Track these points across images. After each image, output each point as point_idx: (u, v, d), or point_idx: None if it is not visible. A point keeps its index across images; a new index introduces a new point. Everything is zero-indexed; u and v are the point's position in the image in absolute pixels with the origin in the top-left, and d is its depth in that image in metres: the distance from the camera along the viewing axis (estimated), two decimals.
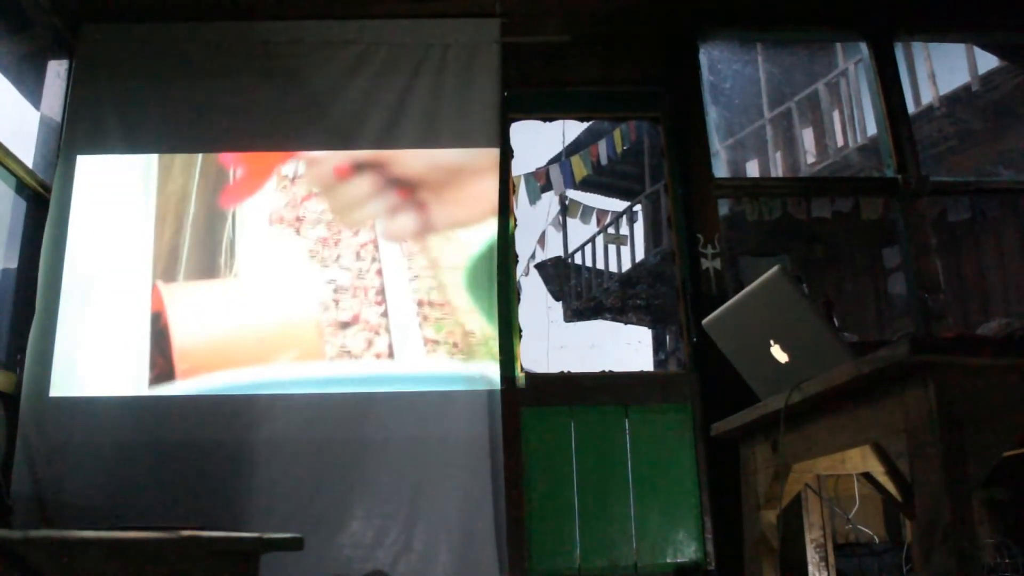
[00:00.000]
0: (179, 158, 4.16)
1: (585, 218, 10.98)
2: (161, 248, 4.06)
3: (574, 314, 13.65)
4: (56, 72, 4.31)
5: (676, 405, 4.06)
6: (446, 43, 4.33)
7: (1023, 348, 1.73)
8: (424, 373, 3.94)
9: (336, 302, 4.01)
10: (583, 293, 13.28)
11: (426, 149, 4.18)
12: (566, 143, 12.17)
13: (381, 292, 4.03)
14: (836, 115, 9.98)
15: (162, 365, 3.91)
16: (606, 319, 13.61)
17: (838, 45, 9.76)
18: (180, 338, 3.94)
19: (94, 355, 3.92)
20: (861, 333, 9.18)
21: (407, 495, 3.75)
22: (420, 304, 4.01)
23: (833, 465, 2.53)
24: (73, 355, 3.89)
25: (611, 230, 12.14)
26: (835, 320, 3.27)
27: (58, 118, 4.24)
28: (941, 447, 1.62)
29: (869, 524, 3.40)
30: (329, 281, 4.04)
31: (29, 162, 4.08)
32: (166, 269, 4.03)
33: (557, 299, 14.01)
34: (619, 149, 9.50)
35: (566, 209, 11.52)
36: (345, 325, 3.98)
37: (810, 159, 10.47)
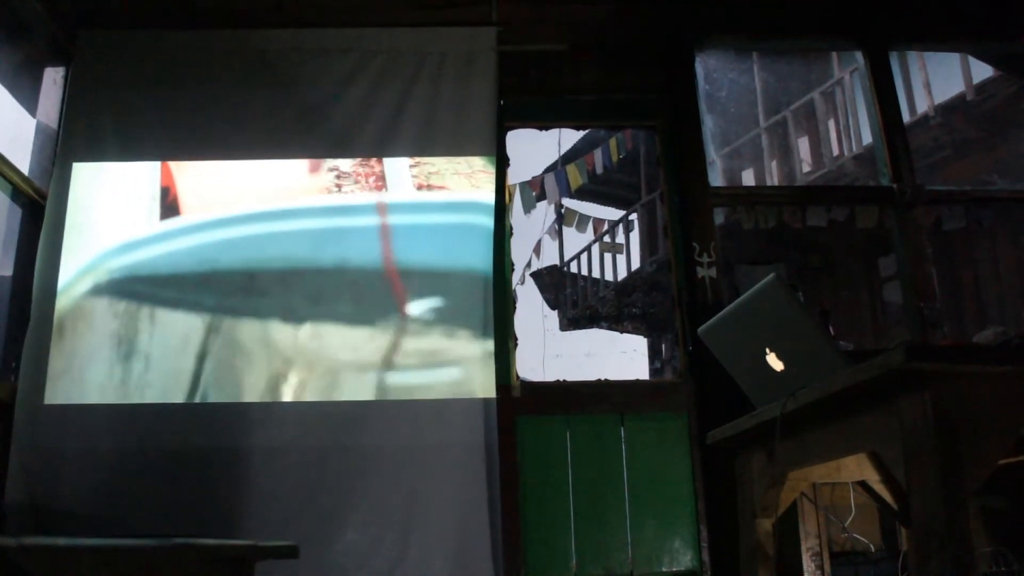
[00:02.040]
0: None
1: (581, 227, 10.98)
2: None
3: (570, 323, 13.65)
4: (53, 79, 4.30)
5: (672, 413, 4.06)
6: (443, 51, 4.33)
7: (1018, 356, 1.73)
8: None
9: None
10: (579, 302, 13.28)
11: (423, 157, 4.20)
12: (562, 152, 12.20)
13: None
14: (831, 124, 10.02)
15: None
16: (602, 327, 13.60)
17: (833, 54, 9.79)
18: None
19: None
20: (857, 342, 9.19)
21: (403, 503, 3.74)
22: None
23: (829, 473, 2.53)
24: (69, 362, 3.89)
25: (607, 239, 12.15)
26: (830, 329, 3.28)
27: (54, 125, 4.23)
28: (937, 455, 1.62)
29: (865, 532, 3.40)
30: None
31: (25, 169, 4.07)
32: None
33: (553, 308, 14.01)
34: (615, 158, 9.51)
35: (562, 218, 11.53)
36: None
37: (806, 168, 10.50)
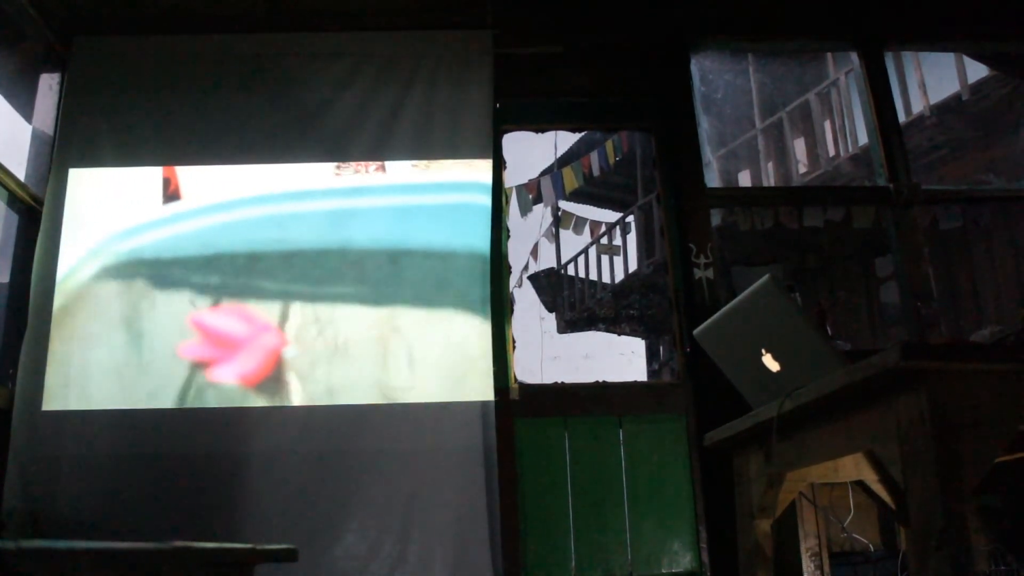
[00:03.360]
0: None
1: (578, 229, 10.99)
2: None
3: (567, 325, 13.65)
4: (48, 85, 4.30)
5: (670, 415, 4.06)
6: (438, 55, 4.34)
7: (1014, 354, 1.73)
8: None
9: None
10: (576, 304, 13.28)
11: (418, 160, 4.20)
12: (559, 154, 12.21)
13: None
14: (827, 125, 10.03)
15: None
16: (599, 330, 13.60)
17: (829, 55, 9.82)
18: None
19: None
20: (854, 342, 9.20)
21: (401, 507, 3.74)
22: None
23: (826, 473, 2.53)
24: (67, 365, 3.88)
25: (604, 241, 12.15)
26: (828, 329, 3.28)
27: (50, 131, 4.23)
28: (934, 453, 1.62)
29: (864, 532, 3.40)
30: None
31: (21, 176, 4.07)
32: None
33: (550, 310, 14.01)
34: (611, 160, 9.52)
35: (559, 220, 11.55)
36: None
37: (802, 169, 10.51)
